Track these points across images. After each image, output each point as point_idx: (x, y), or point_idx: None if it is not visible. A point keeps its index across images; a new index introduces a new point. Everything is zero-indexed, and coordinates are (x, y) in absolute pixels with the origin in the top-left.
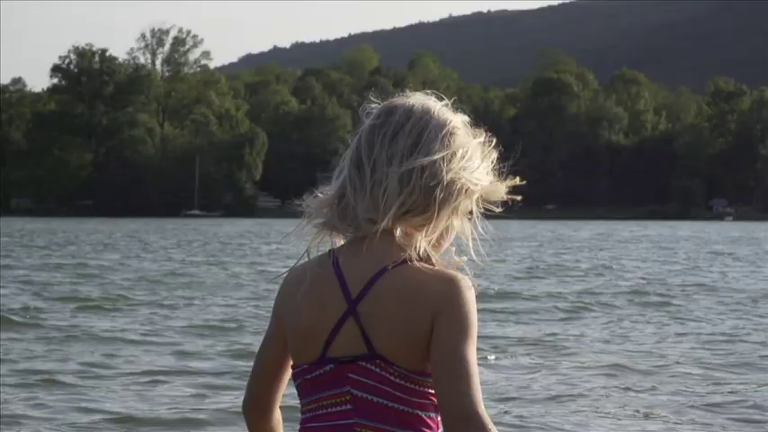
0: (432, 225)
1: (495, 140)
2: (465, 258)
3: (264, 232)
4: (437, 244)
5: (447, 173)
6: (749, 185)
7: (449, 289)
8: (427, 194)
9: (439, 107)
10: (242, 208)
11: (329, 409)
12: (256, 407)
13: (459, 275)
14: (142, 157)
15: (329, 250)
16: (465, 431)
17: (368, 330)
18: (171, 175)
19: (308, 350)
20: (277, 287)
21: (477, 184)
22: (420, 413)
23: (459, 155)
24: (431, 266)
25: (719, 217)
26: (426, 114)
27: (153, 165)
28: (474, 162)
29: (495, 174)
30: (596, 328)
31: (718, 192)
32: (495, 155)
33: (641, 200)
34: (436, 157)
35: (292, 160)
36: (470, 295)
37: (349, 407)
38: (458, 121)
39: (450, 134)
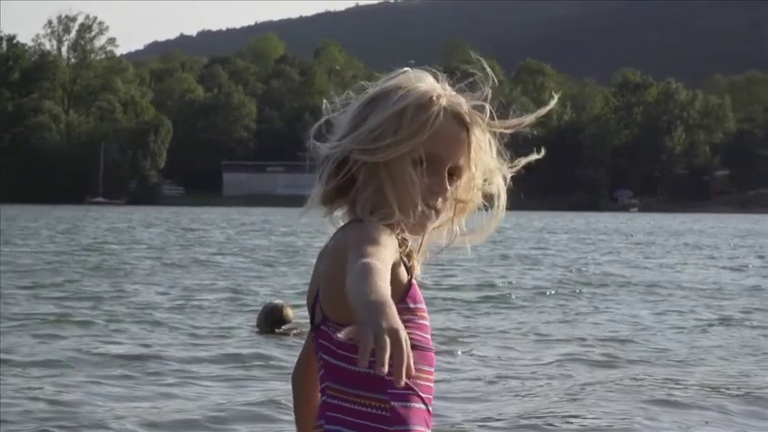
0: (330, 195)
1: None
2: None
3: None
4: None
5: (343, 147)
6: (654, 177)
7: (347, 233)
8: (325, 166)
9: (383, 81)
10: (146, 195)
11: (318, 375)
12: (296, 377)
13: (359, 220)
14: (47, 143)
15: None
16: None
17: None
18: (75, 163)
19: (311, 323)
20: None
21: (373, 155)
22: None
23: (366, 127)
24: (357, 223)
25: (624, 208)
26: (366, 89)
27: (58, 152)
28: (374, 133)
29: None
30: (518, 319)
31: (623, 183)
32: (425, 121)
33: (546, 190)
34: (341, 132)
35: (197, 148)
36: (364, 226)
37: (323, 371)
38: (384, 90)
39: (368, 104)
